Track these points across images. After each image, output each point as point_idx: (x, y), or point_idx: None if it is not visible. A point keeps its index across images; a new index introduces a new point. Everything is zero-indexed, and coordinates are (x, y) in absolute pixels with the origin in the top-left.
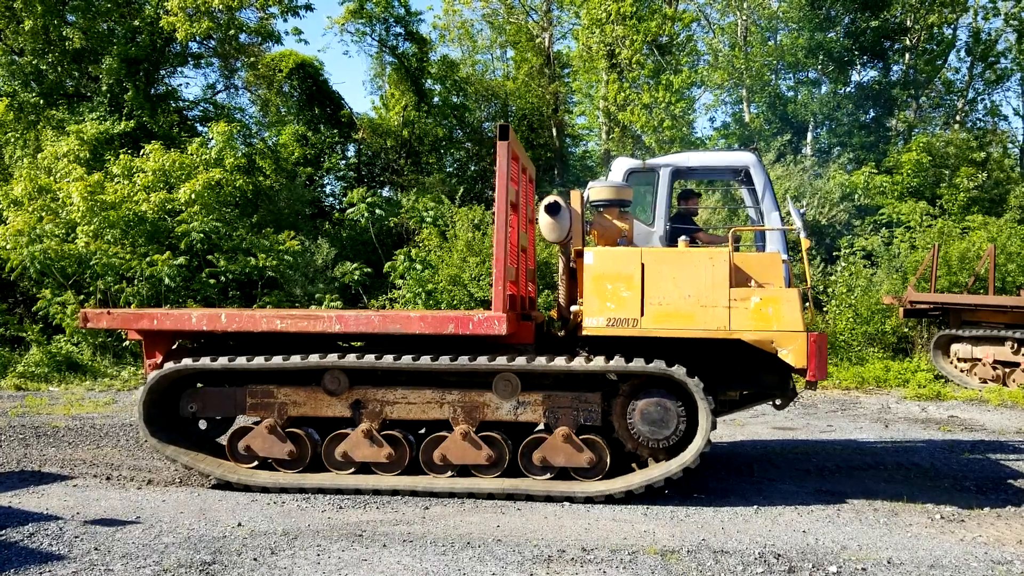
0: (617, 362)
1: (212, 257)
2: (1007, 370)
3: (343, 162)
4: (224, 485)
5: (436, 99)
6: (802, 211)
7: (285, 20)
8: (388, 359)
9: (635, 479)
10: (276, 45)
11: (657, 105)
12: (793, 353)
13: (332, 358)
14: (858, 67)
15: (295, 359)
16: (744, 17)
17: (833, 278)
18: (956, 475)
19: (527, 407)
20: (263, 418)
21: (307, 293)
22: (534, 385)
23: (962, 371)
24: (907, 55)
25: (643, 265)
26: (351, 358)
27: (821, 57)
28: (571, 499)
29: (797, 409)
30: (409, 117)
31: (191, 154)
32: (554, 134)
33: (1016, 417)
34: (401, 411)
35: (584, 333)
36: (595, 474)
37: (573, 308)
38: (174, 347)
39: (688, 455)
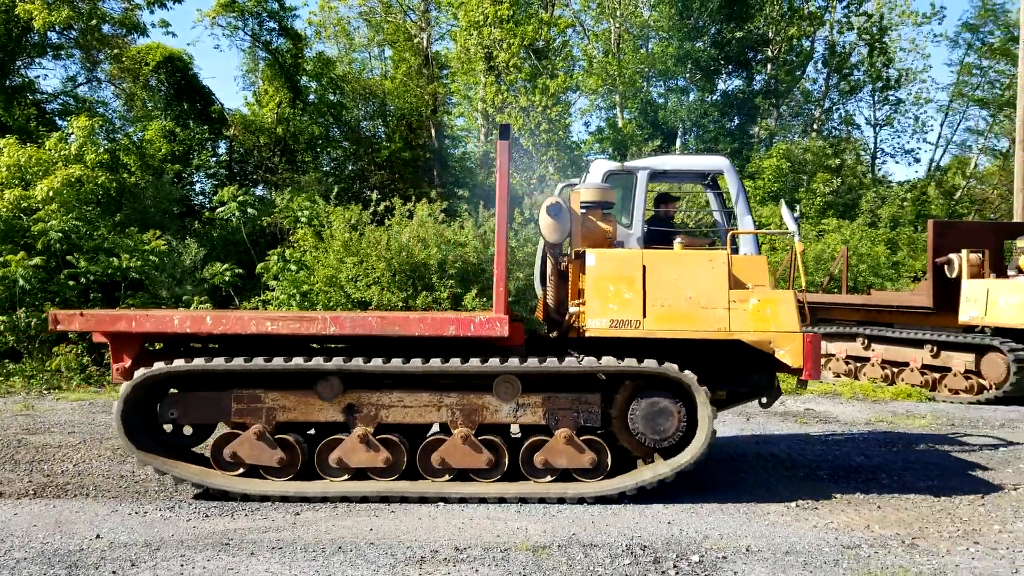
0: (629, 362)
1: (72, 258)
2: (858, 364)
3: (214, 159)
4: (207, 494)
5: (312, 96)
6: (796, 216)
7: (151, 11)
8: (396, 363)
9: (644, 476)
10: (142, 37)
11: (534, 108)
12: (790, 353)
13: (338, 361)
14: (724, 76)
15: (297, 361)
16: (617, 25)
17: None
18: (811, 465)
19: (527, 409)
20: (250, 424)
21: (174, 295)
22: (534, 387)
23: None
24: (769, 66)
25: (644, 267)
26: (358, 362)
27: (689, 66)
28: (583, 500)
29: None
30: (283, 114)
31: (49, 149)
32: (433, 135)
33: (866, 409)
34: (397, 415)
35: (588, 335)
36: (597, 474)
37: (572, 310)
38: (144, 351)
39: (694, 449)
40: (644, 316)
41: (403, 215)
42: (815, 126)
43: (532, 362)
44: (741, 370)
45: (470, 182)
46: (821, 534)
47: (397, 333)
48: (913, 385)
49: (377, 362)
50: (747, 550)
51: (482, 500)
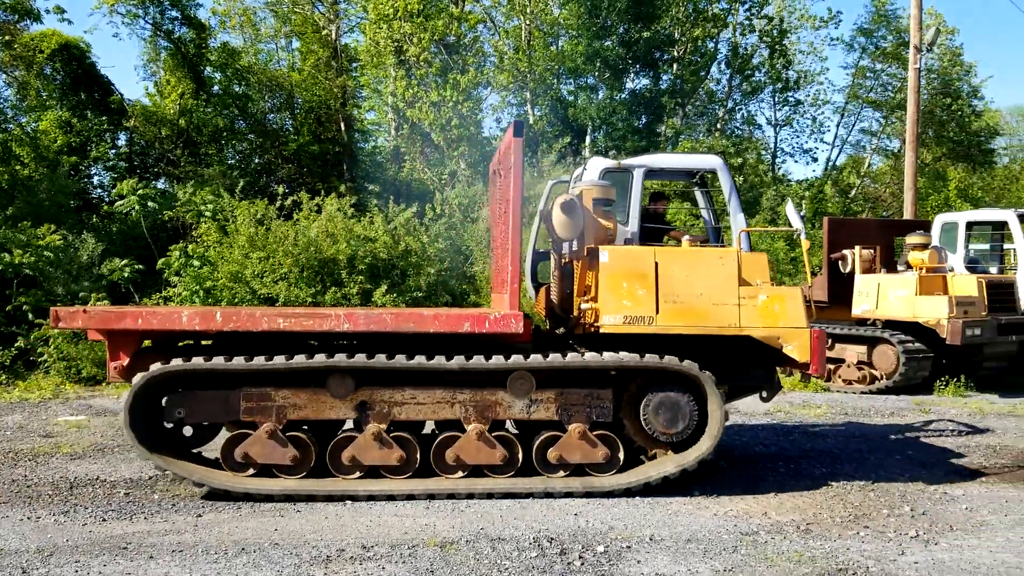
0: (651, 358)
1: None
2: None
3: (113, 151)
4: (219, 495)
5: (216, 88)
6: (801, 214)
7: None
8: (420, 359)
9: (651, 471)
10: (36, 24)
11: (445, 103)
12: (797, 348)
13: (360, 358)
14: (632, 75)
15: (320, 358)
16: (528, 22)
17: None
18: (712, 455)
19: (540, 405)
20: (260, 422)
21: (70, 292)
22: (548, 383)
23: None
24: (675, 66)
25: (657, 264)
26: (380, 358)
27: (598, 64)
28: (590, 494)
29: None
30: (186, 105)
31: None
32: (342, 128)
33: None
34: (410, 412)
35: (603, 331)
36: (610, 469)
37: (584, 306)
38: (143, 348)
39: (706, 444)
40: (657, 312)
41: (311, 210)
42: (719, 126)
43: (555, 358)
44: (742, 365)
45: (381, 177)
46: (721, 522)
47: (412, 330)
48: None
49: (400, 359)
50: (650, 539)
51: (505, 495)
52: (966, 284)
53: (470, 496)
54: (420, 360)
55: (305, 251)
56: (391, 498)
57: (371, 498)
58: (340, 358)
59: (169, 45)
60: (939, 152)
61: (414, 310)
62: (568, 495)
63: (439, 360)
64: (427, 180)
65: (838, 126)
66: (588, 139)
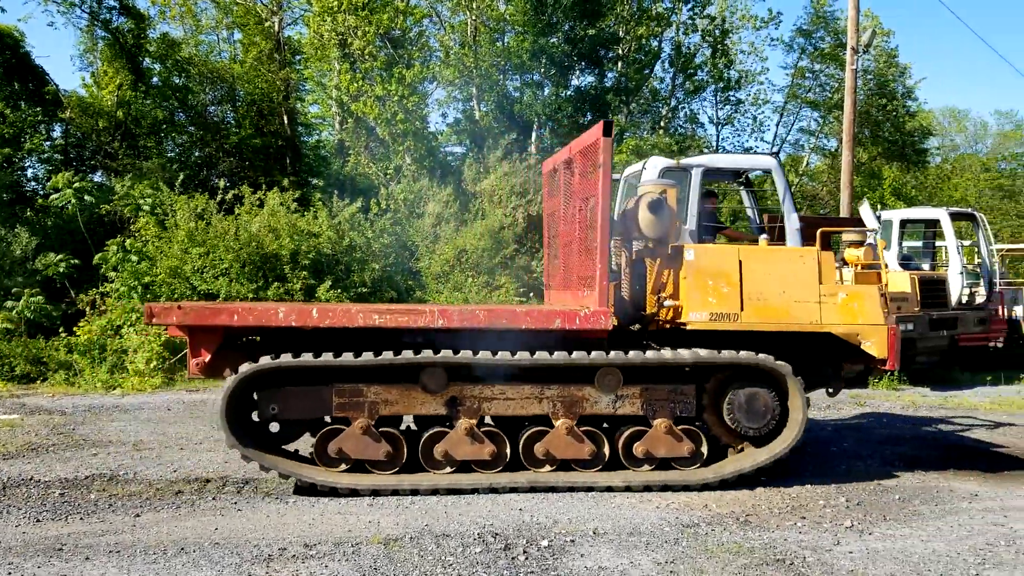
0: (747, 355)
1: None
2: None
3: (48, 143)
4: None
5: (155, 79)
6: (877, 214)
7: None
8: (524, 355)
9: (744, 463)
10: None
11: (390, 98)
12: (876, 345)
13: (467, 354)
14: (577, 72)
15: (426, 353)
16: (474, 17)
17: None
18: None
19: (626, 400)
20: (352, 418)
21: (3, 287)
22: (633, 378)
23: None
24: (620, 63)
25: (741, 262)
26: (484, 355)
27: (544, 61)
28: (687, 488)
29: None
30: (124, 97)
31: None
32: (285, 122)
33: None
34: (499, 407)
35: (689, 328)
36: (694, 463)
37: (667, 303)
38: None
39: (790, 437)
40: (742, 310)
41: (253, 204)
42: (662, 123)
43: (652, 354)
44: (814, 360)
45: (325, 171)
46: (663, 515)
47: (505, 326)
48: None
49: (505, 355)
50: (594, 533)
51: (589, 489)
52: (899, 280)
53: (571, 489)
54: (522, 356)
55: (247, 246)
56: (494, 491)
57: (475, 491)
58: (451, 354)
59: (107, 35)
60: (875, 151)
61: (506, 307)
62: (666, 488)
63: (541, 356)
64: (372, 175)
65: (778, 125)
66: (534, 135)
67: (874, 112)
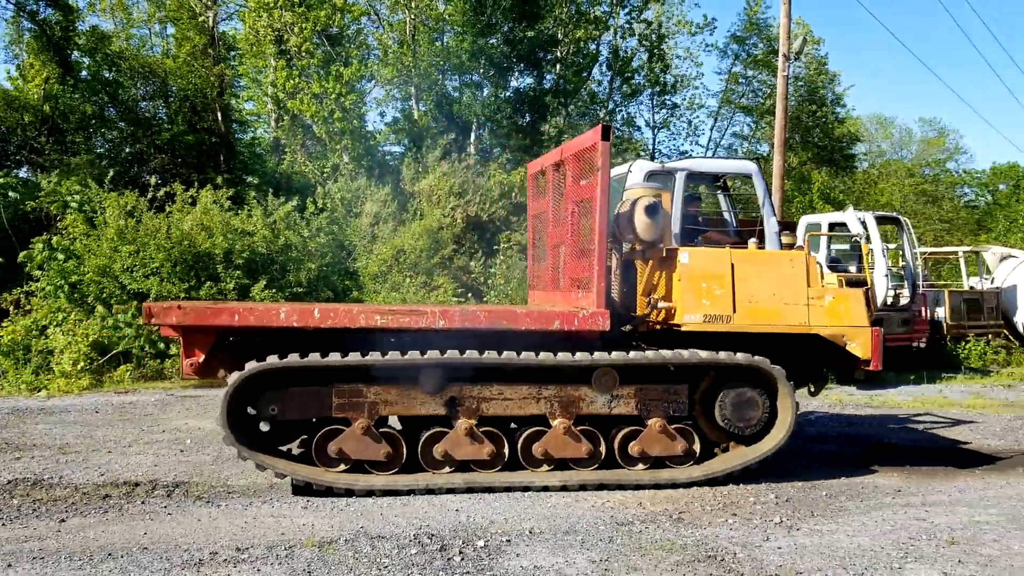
0: (743, 357)
1: None
2: None
3: None
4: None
5: (84, 73)
6: (862, 219)
7: None
8: (528, 355)
9: (734, 461)
10: None
11: (327, 96)
12: (860, 346)
13: (472, 354)
14: (516, 74)
15: (433, 354)
16: (412, 16)
17: (493, 270)
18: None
19: (621, 400)
20: (352, 419)
21: None
22: (628, 379)
23: None
24: (558, 66)
25: (733, 265)
26: (491, 355)
27: (483, 61)
28: (675, 485)
29: None
30: (52, 91)
31: None
32: (219, 118)
33: None
34: (497, 407)
35: (684, 329)
36: (687, 461)
37: (661, 304)
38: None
39: (780, 435)
40: (734, 312)
41: (185, 202)
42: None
43: (652, 354)
44: (798, 361)
45: (260, 169)
46: (598, 513)
47: (505, 327)
48: None
49: (510, 354)
50: (530, 532)
51: (582, 487)
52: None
53: (563, 488)
54: (528, 356)
55: (179, 245)
56: (489, 490)
57: (469, 491)
58: (457, 354)
59: (33, 27)
60: (805, 156)
61: (506, 308)
62: (674, 486)
63: (544, 356)
64: (309, 173)
65: (712, 129)
66: (473, 136)
67: (804, 118)
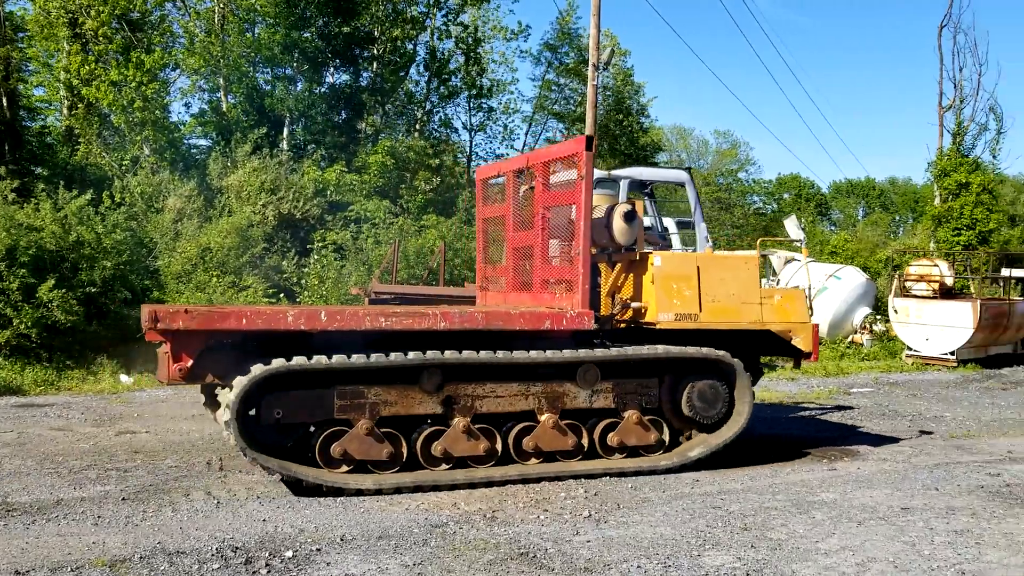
0: (724, 353)
1: None
2: None
3: None
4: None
5: None
6: (801, 225)
7: None
8: (534, 353)
9: (698, 449)
10: None
11: (127, 84)
12: (803, 340)
13: (487, 353)
14: (331, 69)
15: (462, 353)
16: (222, 5)
17: (307, 270)
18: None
19: (600, 394)
20: (354, 420)
21: None
22: (608, 374)
23: None
24: (375, 64)
25: (698, 268)
26: (491, 353)
27: (297, 55)
28: (654, 471)
29: None
30: None
31: None
32: (4, 104)
33: None
34: (490, 405)
35: (658, 327)
36: (657, 450)
37: (634, 304)
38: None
39: (740, 423)
40: (700, 310)
41: None
42: (417, 126)
43: (635, 349)
44: (745, 355)
45: (50, 159)
46: (412, 516)
47: (500, 327)
48: None
49: (518, 353)
50: (341, 540)
51: (575, 477)
52: None
53: (556, 479)
54: (534, 353)
55: None
56: (489, 485)
57: (471, 486)
58: (434, 354)
59: None
60: (612, 163)
61: (501, 309)
62: (639, 473)
63: (536, 354)
64: (106, 165)
65: (526, 134)
66: (286, 131)
67: (612, 127)
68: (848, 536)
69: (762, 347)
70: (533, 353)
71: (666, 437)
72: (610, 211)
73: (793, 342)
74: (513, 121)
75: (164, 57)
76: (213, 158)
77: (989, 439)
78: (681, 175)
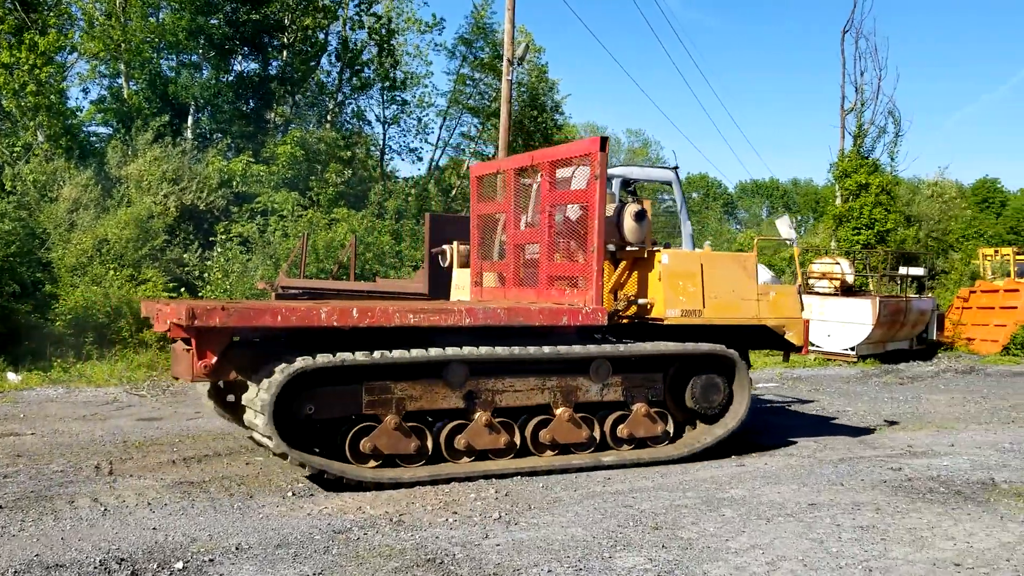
0: (723, 348)
1: None
2: None
3: None
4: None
5: None
6: (791, 224)
7: None
8: (553, 348)
9: (706, 437)
10: None
11: (20, 67)
12: (795, 335)
13: (495, 349)
14: (239, 57)
15: (514, 349)
16: None
17: (210, 263)
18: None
19: (610, 388)
20: (381, 415)
21: None
22: (617, 369)
23: None
24: (285, 52)
25: (702, 266)
26: (545, 348)
27: (203, 41)
28: (665, 462)
29: (166, 397)
30: None
31: None
32: None
33: None
34: (509, 399)
35: (666, 322)
36: (663, 441)
37: (640, 301)
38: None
39: (741, 413)
40: (704, 307)
41: None
42: (329, 118)
43: (654, 345)
44: (739, 349)
45: None
46: (314, 522)
47: (521, 323)
48: None
49: (546, 348)
50: (237, 548)
51: (593, 469)
52: None
53: (564, 471)
54: (547, 349)
55: None
56: (503, 476)
57: (485, 476)
58: (469, 350)
59: None
60: None
61: (520, 305)
62: (652, 464)
63: (563, 349)
64: None
65: (441, 128)
66: (191, 119)
67: (527, 123)
68: (758, 534)
69: (755, 341)
70: (561, 348)
71: (671, 429)
72: (620, 210)
73: (786, 336)
74: (428, 115)
75: (60, 40)
76: (112, 146)
77: (890, 433)
78: (668, 174)
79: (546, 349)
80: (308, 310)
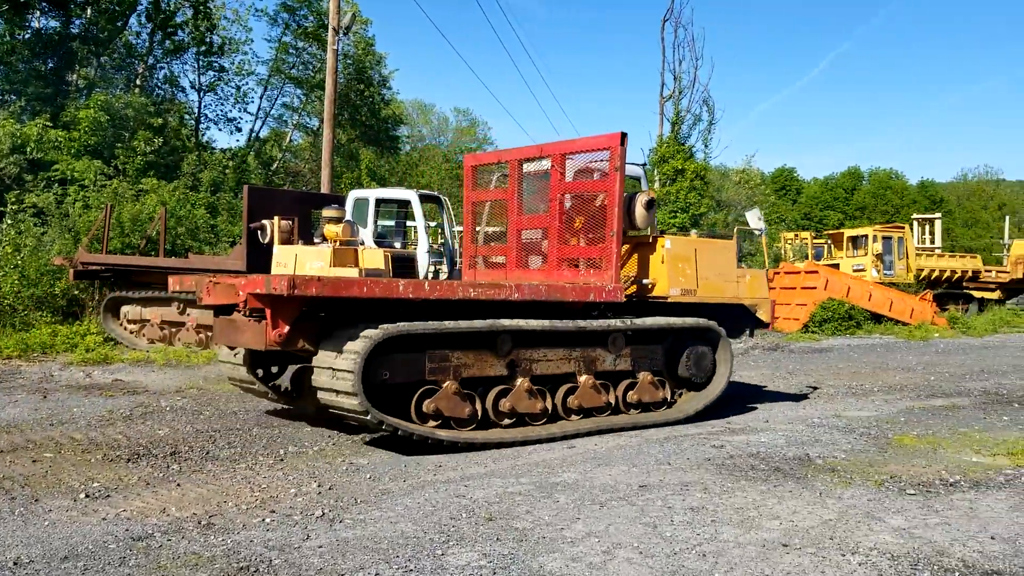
0: (711, 323)
1: None
2: (173, 330)
3: None
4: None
5: None
6: (760, 216)
7: None
8: (584, 322)
9: (697, 404)
10: None
11: None
12: (764, 312)
13: (555, 322)
14: (37, 13)
15: (573, 323)
16: None
17: (0, 236)
18: (112, 444)
19: (622, 359)
20: (441, 381)
21: None
22: (628, 341)
23: (132, 332)
24: (89, 10)
25: (695, 251)
26: (579, 322)
27: None
28: (668, 424)
29: None
30: None
31: None
32: None
33: (178, 375)
34: (543, 367)
35: (669, 300)
36: (662, 407)
37: (645, 281)
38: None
39: (723, 382)
40: (697, 287)
41: None
42: (138, 82)
43: (683, 320)
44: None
45: None
46: (110, 527)
47: (558, 299)
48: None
49: (580, 322)
50: (15, 563)
51: (611, 431)
52: (374, 257)
53: (589, 433)
54: (582, 322)
55: None
56: (539, 441)
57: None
58: (509, 322)
59: None
60: (353, 134)
61: (557, 283)
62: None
63: (599, 323)
64: None
65: (261, 98)
66: None
67: (353, 96)
68: (592, 520)
69: (729, 318)
70: (592, 322)
71: (668, 395)
72: (632, 198)
73: (758, 314)
74: (247, 83)
75: None
76: None
77: None
78: (636, 170)
79: (579, 322)
80: (388, 283)
